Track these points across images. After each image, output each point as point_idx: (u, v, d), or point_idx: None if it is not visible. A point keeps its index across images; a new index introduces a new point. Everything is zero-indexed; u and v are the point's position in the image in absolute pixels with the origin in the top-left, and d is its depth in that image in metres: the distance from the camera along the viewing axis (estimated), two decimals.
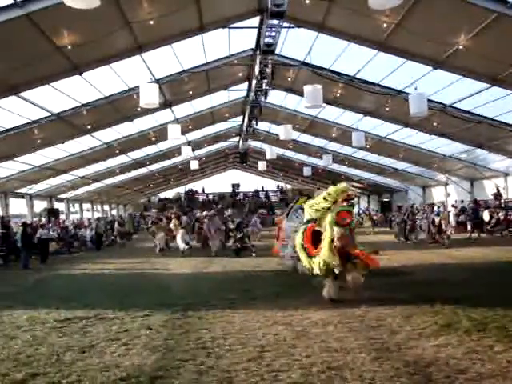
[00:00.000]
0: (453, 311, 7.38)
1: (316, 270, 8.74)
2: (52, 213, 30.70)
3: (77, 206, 37.82)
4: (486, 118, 20.02)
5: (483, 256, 15.09)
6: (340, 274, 8.54)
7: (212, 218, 20.28)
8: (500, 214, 25.52)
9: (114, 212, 45.98)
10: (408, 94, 17.29)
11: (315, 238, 9.09)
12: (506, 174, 27.11)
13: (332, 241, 8.53)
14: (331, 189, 9.22)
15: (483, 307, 7.50)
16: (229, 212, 22.44)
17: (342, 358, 5.35)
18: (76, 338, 6.64)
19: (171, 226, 21.41)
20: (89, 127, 20.84)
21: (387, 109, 20.96)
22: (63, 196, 33.60)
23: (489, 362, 5.10)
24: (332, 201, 8.97)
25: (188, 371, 5.12)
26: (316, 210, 9.30)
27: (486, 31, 13.09)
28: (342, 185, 9.37)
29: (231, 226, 20.40)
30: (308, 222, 9.68)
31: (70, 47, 13.05)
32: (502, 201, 27.20)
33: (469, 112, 19.82)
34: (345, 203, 8.92)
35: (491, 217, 25.87)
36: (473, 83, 16.96)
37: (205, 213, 22.57)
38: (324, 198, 9.14)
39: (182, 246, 19.41)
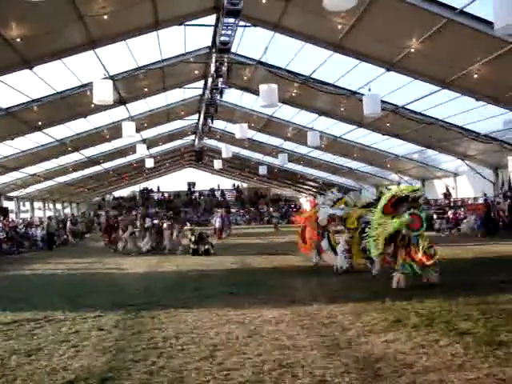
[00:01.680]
0: (402, 308, 7.55)
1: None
2: (0, 212, 29.65)
3: (28, 204, 36.68)
4: (436, 119, 20.68)
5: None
6: None
7: (172, 225, 20.23)
8: (449, 213, 26.37)
9: (67, 211, 44.86)
10: (362, 94, 17.64)
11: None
12: (456, 174, 28.07)
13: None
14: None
15: (431, 303, 7.72)
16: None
17: (294, 356, 5.39)
18: (23, 340, 6.41)
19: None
20: (40, 123, 20.28)
21: (342, 109, 21.33)
22: (13, 194, 32.52)
23: (434, 355, 5.25)
24: None
25: (139, 372, 5.03)
26: None
27: (436, 36, 13.52)
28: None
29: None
30: None
31: (19, 40, 12.65)
32: (451, 200, 28.12)
33: (420, 113, 20.43)
34: None
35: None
36: (424, 85, 17.47)
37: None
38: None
39: (145, 247, 19.62)
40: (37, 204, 38.34)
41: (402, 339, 5.89)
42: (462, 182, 27.89)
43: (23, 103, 17.63)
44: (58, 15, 12.68)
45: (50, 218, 30.60)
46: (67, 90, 17.89)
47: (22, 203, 35.26)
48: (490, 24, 11.05)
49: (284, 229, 34.19)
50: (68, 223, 28.61)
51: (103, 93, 14.51)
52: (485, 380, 4.51)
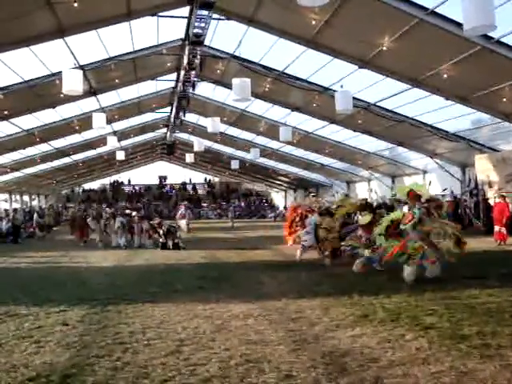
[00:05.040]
0: (369, 303, 7.64)
1: None
2: None
3: None
4: (407, 117, 20.94)
5: None
6: None
7: (142, 219, 19.97)
8: None
9: (35, 203, 43.92)
10: (334, 91, 17.72)
11: None
12: (425, 172, 28.51)
13: None
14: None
15: (397, 299, 7.85)
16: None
17: (261, 351, 5.38)
18: None
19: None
20: (6, 113, 19.66)
21: (314, 105, 21.38)
22: None
23: (400, 350, 5.32)
24: None
25: (103, 368, 4.94)
26: None
27: (407, 35, 13.65)
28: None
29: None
30: None
31: None
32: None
33: (391, 111, 20.65)
34: None
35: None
36: (395, 84, 17.66)
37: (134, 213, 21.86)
38: None
39: (122, 241, 19.40)
40: (3, 196, 37.43)
41: (369, 334, 5.96)
42: (431, 180, 28.31)
43: None
44: (26, 1, 12.31)
45: (15, 210, 29.88)
46: (35, 78, 17.38)
47: None
48: (459, 25, 11.21)
49: (253, 224, 34.20)
50: (35, 216, 27.98)
51: (73, 83, 14.19)
52: (447, 373, 4.60)
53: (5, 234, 24.62)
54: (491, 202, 20.17)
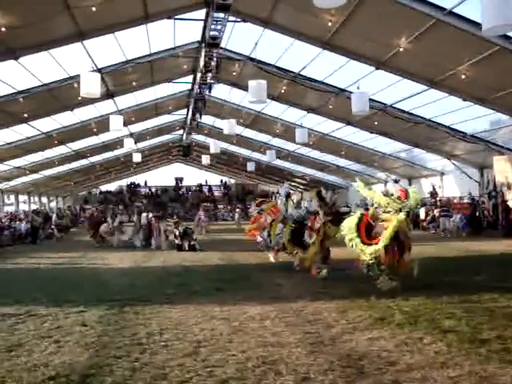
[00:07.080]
0: (387, 305, 7.58)
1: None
2: None
3: (12, 197, 36.27)
4: (424, 118, 20.80)
5: (416, 252, 15.54)
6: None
7: (160, 220, 20.09)
8: (435, 212, 26.53)
9: (53, 204, 44.44)
10: (351, 92, 17.67)
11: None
12: (442, 174, 28.29)
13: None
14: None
15: (415, 302, 7.76)
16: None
17: (278, 353, 5.37)
18: (3, 336, 6.31)
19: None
20: (26, 115, 19.97)
21: (330, 106, 21.33)
22: None
23: (418, 353, 5.27)
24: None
25: (121, 368, 4.98)
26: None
27: (424, 35, 13.57)
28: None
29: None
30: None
31: (4, 29, 12.44)
32: (438, 199, 28.31)
33: (408, 112, 20.51)
34: None
35: (427, 214, 26.91)
36: (412, 85, 17.54)
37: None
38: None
39: (138, 242, 20.01)
40: (22, 197, 37.94)
41: (386, 337, 5.91)
42: (449, 181, 28.11)
43: (9, 94, 17.36)
44: (45, 5, 12.50)
45: (33, 211, 30.25)
46: (54, 82, 17.62)
47: (6, 196, 34.89)
48: (478, 25, 11.11)
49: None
50: (54, 217, 28.29)
51: (91, 86, 14.38)
52: (467, 377, 4.54)
53: (24, 234, 24.95)
54: (510, 203, 19.89)
